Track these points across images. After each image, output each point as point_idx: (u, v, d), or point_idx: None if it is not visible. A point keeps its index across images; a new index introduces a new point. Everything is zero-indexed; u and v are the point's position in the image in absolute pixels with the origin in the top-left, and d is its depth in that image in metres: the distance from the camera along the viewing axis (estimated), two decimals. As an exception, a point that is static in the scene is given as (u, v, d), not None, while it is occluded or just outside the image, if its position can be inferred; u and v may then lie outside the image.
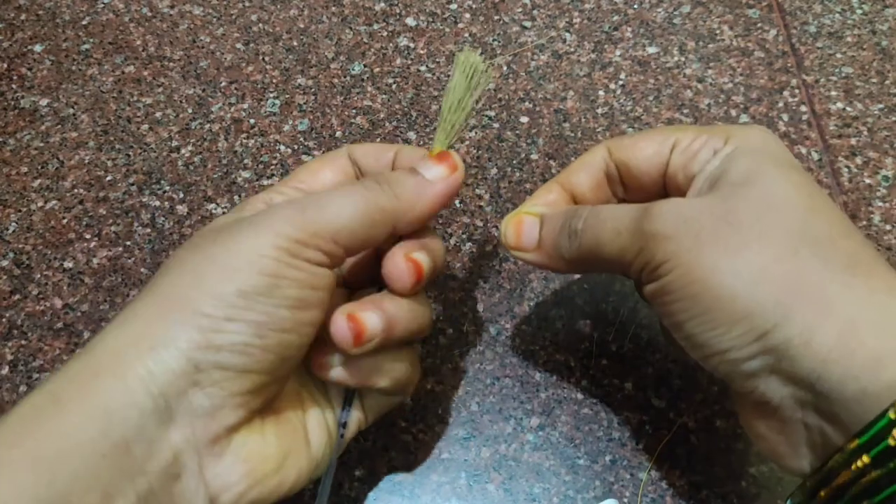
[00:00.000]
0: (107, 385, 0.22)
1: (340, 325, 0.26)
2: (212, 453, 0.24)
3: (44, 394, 0.22)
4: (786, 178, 0.25)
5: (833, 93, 0.46)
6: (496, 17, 0.49)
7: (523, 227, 0.30)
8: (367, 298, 0.27)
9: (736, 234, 0.24)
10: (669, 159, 0.28)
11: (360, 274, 0.31)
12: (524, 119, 0.45)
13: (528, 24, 0.49)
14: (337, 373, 0.27)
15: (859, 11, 0.49)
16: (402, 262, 0.27)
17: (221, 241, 0.25)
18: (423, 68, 0.47)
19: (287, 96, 0.46)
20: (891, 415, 0.20)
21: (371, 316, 0.26)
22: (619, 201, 0.32)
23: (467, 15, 0.50)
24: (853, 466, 0.21)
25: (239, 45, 0.49)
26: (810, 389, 0.22)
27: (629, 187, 0.31)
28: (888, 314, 0.22)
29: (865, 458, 0.21)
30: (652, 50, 0.48)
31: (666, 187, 0.29)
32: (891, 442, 0.20)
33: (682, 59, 0.47)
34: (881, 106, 0.45)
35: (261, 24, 0.50)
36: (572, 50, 0.48)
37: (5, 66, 0.48)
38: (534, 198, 0.32)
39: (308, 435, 0.27)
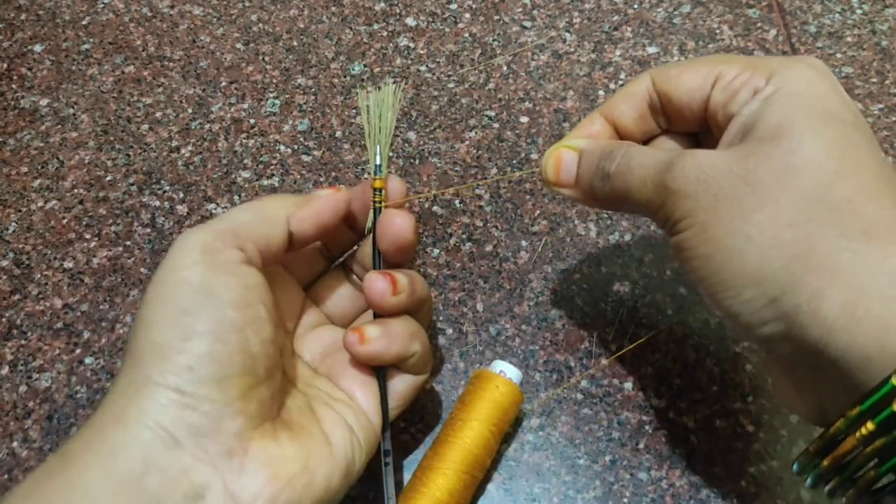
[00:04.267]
0: (109, 432, 0.24)
1: (377, 280, 0.29)
2: (232, 468, 0.24)
3: (56, 456, 0.24)
4: (815, 135, 0.24)
5: (833, 93, 0.45)
6: (496, 17, 0.49)
7: (562, 162, 0.30)
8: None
9: (753, 197, 0.24)
10: (710, 95, 0.28)
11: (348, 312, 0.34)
12: (524, 119, 0.45)
13: (528, 24, 0.49)
14: (378, 345, 0.29)
15: (859, 11, 0.49)
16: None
17: (153, 279, 0.26)
18: (423, 68, 0.47)
19: (287, 96, 0.46)
20: (894, 381, 0.20)
21: (398, 274, 0.30)
22: (663, 132, 0.31)
23: (467, 15, 0.50)
24: (858, 434, 0.21)
25: (239, 45, 0.49)
26: (820, 356, 0.22)
27: (672, 119, 0.30)
28: None
29: (870, 426, 0.21)
30: (652, 50, 0.48)
31: (708, 121, 0.29)
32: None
33: (682, 58, 0.47)
34: (881, 106, 0.45)
35: (261, 24, 0.50)
36: (572, 50, 0.48)
37: (5, 66, 0.48)
38: (577, 129, 0.31)
39: (328, 436, 0.28)
